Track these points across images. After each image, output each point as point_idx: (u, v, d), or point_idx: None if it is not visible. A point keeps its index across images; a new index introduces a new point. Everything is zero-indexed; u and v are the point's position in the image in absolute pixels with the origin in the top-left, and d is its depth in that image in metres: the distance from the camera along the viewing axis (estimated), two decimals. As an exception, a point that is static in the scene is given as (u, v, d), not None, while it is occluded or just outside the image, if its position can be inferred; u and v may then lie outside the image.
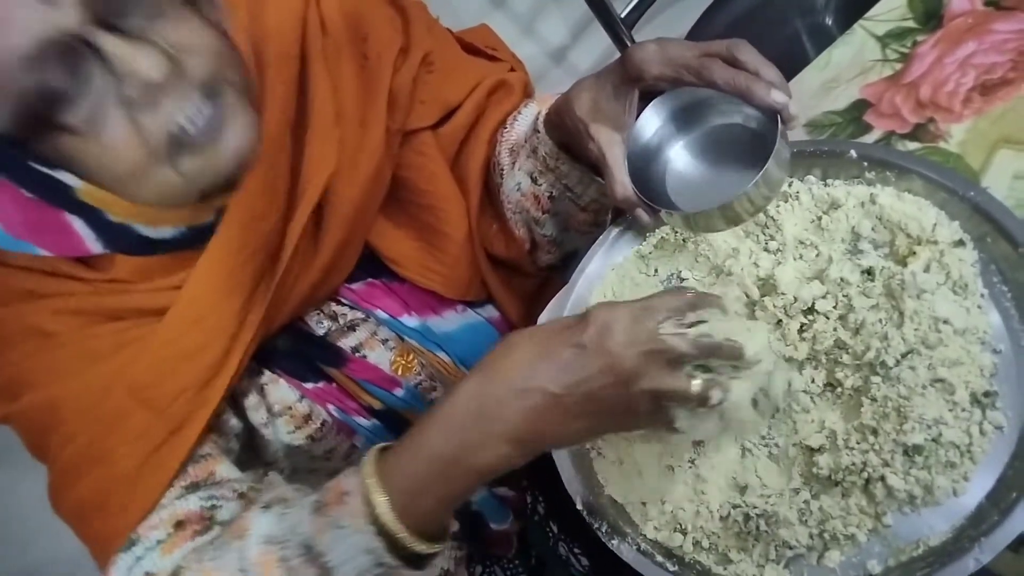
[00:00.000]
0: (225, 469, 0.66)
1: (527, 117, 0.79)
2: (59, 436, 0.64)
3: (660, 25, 1.60)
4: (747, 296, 0.64)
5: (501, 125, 0.81)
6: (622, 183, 0.63)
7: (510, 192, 0.78)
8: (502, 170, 0.78)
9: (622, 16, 1.29)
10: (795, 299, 0.62)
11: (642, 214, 0.64)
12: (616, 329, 0.51)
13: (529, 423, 0.51)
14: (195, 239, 0.65)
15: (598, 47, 1.88)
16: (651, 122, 0.65)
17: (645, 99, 0.65)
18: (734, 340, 0.52)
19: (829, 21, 1.10)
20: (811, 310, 0.62)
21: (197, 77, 0.59)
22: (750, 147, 0.63)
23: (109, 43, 0.55)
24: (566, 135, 0.69)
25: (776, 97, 0.57)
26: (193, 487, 0.63)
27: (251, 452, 0.74)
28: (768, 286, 0.64)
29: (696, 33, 1.16)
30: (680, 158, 0.67)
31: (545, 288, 0.87)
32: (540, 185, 0.75)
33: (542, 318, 0.75)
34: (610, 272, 0.72)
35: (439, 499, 0.53)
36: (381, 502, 0.52)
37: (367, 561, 0.52)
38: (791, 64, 0.79)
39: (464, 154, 0.79)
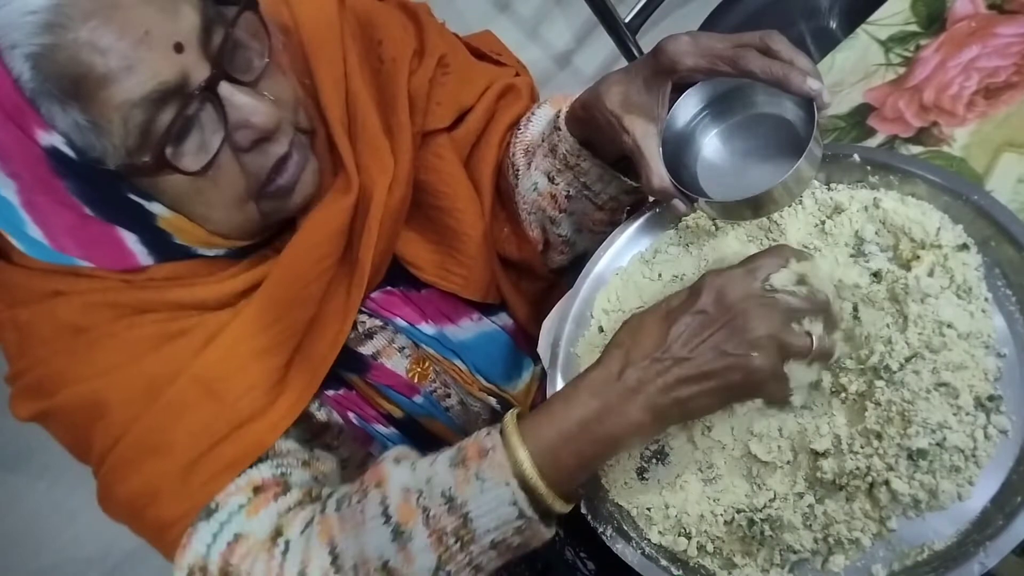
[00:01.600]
0: (282, 443, 0.67)
1: (542, 118, 0.79)
2: (106, 428, 0.64)
3: (664, 30, 1.59)
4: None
5: (512, 127, 0.81)
6: (659, 174, 0.64)
7: (526, 192, 0.78)
8: (517, 171, 0.79)
9: (626, 21, 1.30)
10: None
11: (679, 204, 0.65)
12: (730, 287, 0.55)
13: (665, 389, 0.55)
14: (236, 256, 0.69)
15: (602, 52, 1.89)
16: (683, 113, 0.65)
17: (674, 92, 0.65)
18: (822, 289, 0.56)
19: (833, 25, 1.09)
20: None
21: (291, 127, 0.65)
22: (780, 139, 0.64)
23: (231, 93, 0.59)
24: (593, 130, 0.70)
25: (812, 84, 0.58)
26: (259, 459, 0.65)
27: None
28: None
29: (700, 38, 1.16)
30: (711, 148, 0.67)
31: (552, 292, 0.87)
32: (557, 184, 0.75)
33: (547, 321, 0.75)
34: (614, 277, 0.72)
35: (578, 458, 0.56)
36: (524, 457, 0.55)
37: (509, 513, 0.55)
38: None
39: (475, 158, 0.80)
